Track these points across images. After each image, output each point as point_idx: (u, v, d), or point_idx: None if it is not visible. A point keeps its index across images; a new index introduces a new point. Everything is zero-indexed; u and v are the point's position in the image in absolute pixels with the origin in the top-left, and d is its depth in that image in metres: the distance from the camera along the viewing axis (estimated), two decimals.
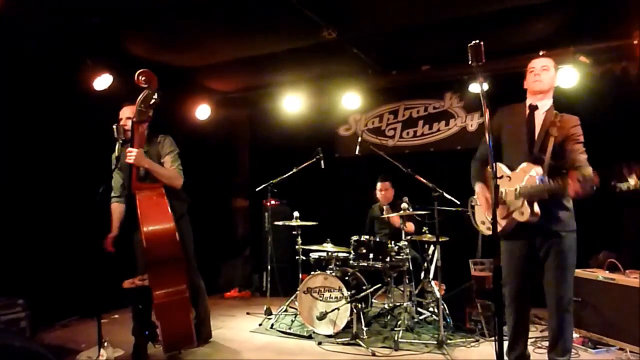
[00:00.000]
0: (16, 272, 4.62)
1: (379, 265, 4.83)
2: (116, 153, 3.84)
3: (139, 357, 4.01)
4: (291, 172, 5.63)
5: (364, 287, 4.91)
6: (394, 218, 5.45)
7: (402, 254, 4.87)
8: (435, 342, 4.32)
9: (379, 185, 5.91)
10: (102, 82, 5.40)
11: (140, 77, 3.71)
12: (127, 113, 3.95)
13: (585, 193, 2.79)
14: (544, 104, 3.27)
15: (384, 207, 5.78)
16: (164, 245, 3.68)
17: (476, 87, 5.87)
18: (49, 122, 5.15)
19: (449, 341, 4.39)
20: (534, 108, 3.27)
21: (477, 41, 2.39)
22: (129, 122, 3.90)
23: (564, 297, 3.25)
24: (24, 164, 4.94)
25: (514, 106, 3.42)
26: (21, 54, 4.79)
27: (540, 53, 5.41)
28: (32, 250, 4.88)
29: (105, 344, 3.84)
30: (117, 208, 4.07)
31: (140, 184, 3.78)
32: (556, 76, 3.32)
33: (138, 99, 3.73)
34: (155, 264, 3.69)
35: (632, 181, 2.77)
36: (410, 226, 5.38)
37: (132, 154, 3.69)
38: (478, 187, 3.52)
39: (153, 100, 3.73)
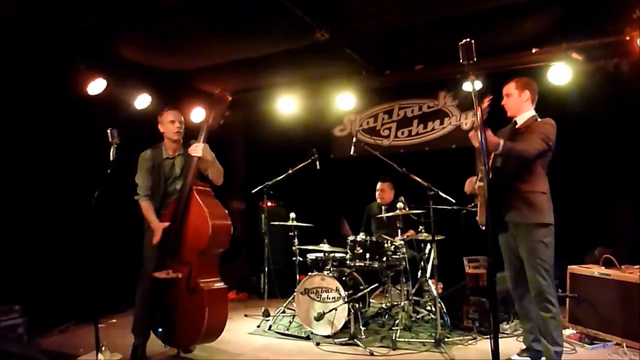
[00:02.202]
0: (13, 277, 4.61)
1: (375, 265, 4.84)
2: (111, 157, 3.84)
3: (137, 358, 4.02)
4: (287, 174, 5.64)
5: (361, 287, 4.92)
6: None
7: (398, 254, 4.88)
8: (433, 341, 4.33)
9: (377, 185, 5.93)
10: (96, 86, 5.39)
11: (222, 91, 4.16)
12: (178, 117, 4.23)
13: (490, 146, 3.28)
14: (522, 117, 3.69)
15: (383, 207, 5.78)
16: (224, 235, 4.04)
17: (469, 86, 5.90)
18: (44, 127, 5.13)
19: (446, 340, 4.40)
20: (514, 123, 3.73)
21: (468, 39, 2.40)
22: (182, 126, 4.22)
23: (538, 292, 3.45)
24: (19, 169, 4.93)
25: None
26: (14, 57, 4.78)
27: (533, 50, 5.45)
28: (28, 255, 4.87)
29: (103, 348, 3.82)
30: (148, 205, 4.12)
31: (197, 182, 4.05)
32: (524, 94, 3.67)
33: (216, 108, 4.11)
34: (208, 254, 3.96)
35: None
36: (410, 232, 5.40)
37: (198, 147, 3.98)
38: None
39: (224, 113, 4.18)
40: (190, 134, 6.39)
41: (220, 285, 4.05)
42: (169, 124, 4.19)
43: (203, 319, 3.79)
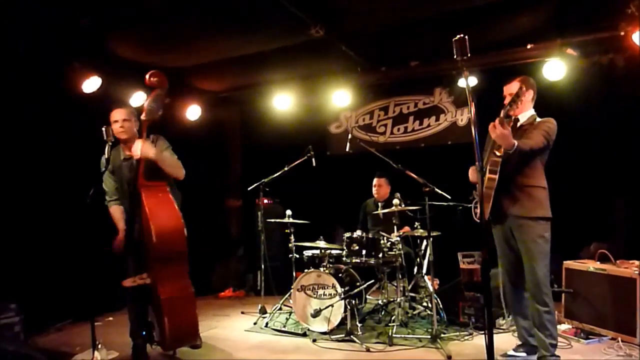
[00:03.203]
0: (9, 276, 4.59)
1: (372, 261, 4.84)
2: (106, 155, 3.83)
3: (138, 359, 4.01)
4: (283, 171, 5.63)
5: (358, 284, 4.92)
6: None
7: (394, 250, 4.89)
8: (429, 337, 4.34)
9: (374, 181, 5.94)
10: (91, 84, 5.37)
11: (151, 78, 3.82)
12: (123, 115, 3.97)
13: (501, 140, 3.30)
14: (524, 116, 3.71)
15: (379, 204, 5.77)
16: (174, 241, 3.76)
17: (464, 82, 5.90)
18: (38, 125, 5.12)
19: (442, 335, 4.41)
20: (516, 121, 3.74)
21: (462, 35, 2.41)
22: (126, 124, 3.95)
23: (535, 285, 3.49)
24: (14, 168, 4.92)
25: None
26: (8, 56, 4.76)
27: (528, 46, 5.45)
28: (24, 254, 4.86)
29: (99, 346, 3.82)
30: (117, 210, 4.05)
31: (146, 182, 3.78)
32: (528, 94, 3.64)
33: (148, 99, 3.82)
34: (163, 259, 3.73)
35: None
36: (405, 229, 5.41)
37: (136, 146, 3.70)
38: None
39: (163, 100, 3.86)
40: (188, 132, 6.40)
41: (182, 292, 3.83)
42: (114, 124, 3.96)
43: (164, 327, 3.67)
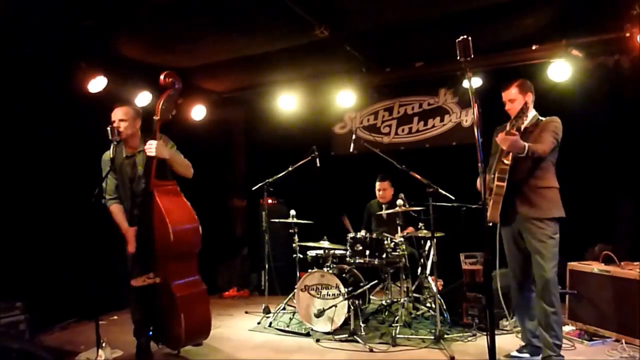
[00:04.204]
0: (14, 275, 4.63)
1: (375, 262, 4.84)
2: (110, 154, 3.85)
3: (142, 358, 4.03)
4: (287, 171, 5.64)
5: (361, 284, 4.93)
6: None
7: (398, 250, 4.89)
8: (433, 337, 4.35)
9: (377, 184, 5.92)
10: (97, 84, 5.40)
11: (166, 79, 3.91)
12: (119, 115, 3.96)
13: (512, 147, 3.35)
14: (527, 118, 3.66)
15: (384, 206, 5.77)
16: (190, 238, 3.87)
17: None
18: (44, 125, 5.15)
19: (446, 336, 4.42)
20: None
21: (465, 36, 2.41)
22: (122, 124, 3.93)
23: (544, 286, 3.50)
24: (20, 167, 4.95)
25: None
26: (14, 57, 4.79)
27: (533, 47, 5.44)
28: (30, 253, 4.89)
29: (104, 344, 3.85)
30: (118, 208, 4.03)
31: (157, 181, 3.83)
32: (525, 96, 3.67)
33: (161, 99, 3.88)
34: (178, 257, 3.82)
35: None
36: (410, 229, 5.41)
37: (151, 145, 3.74)
38: None
39: (176, 101, 3.94)
40: (193, 132, 6.40)
41: (196, 288, 3.92)
42: (112, 124, 3.94)
43: (180, 325, 3.72)
